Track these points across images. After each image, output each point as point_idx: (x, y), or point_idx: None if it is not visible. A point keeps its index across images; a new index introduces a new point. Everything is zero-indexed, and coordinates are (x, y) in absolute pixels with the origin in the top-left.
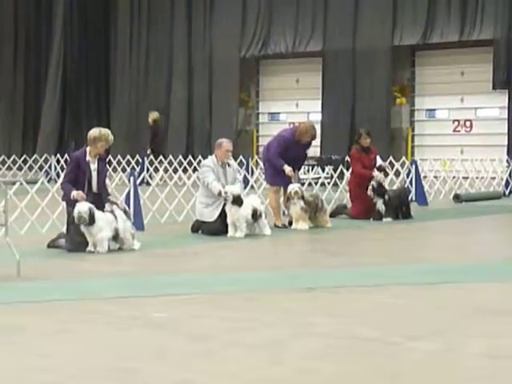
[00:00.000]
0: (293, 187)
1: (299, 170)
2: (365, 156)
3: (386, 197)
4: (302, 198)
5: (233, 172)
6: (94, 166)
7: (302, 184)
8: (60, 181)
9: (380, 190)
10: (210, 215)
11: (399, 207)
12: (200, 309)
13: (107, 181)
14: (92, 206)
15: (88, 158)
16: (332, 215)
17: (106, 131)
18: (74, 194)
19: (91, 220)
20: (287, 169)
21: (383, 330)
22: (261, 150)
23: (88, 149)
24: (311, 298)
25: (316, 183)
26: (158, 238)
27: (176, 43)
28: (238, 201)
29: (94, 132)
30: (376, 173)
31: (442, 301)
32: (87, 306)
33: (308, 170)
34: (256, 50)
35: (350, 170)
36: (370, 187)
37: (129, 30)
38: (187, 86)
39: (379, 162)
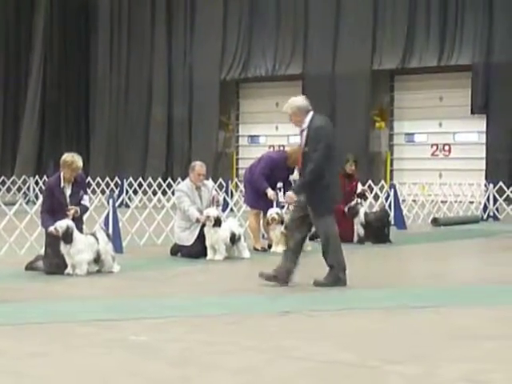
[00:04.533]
0: (271, 212)
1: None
2: (347, 182)
3: (362, 219)
4: (281, 222)
5: (208, 192)
6: (68, 191)
7: (282, 207)
8: (38, 203)
9: (353, 211)
10: (188, 239)
11: (380, 230)
12: (178, 332)
13: (86, 202)
14: (72, 224)
15: (62, 183)
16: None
17: (70, 158)
18: (52, 230)
19: (69, 238)
20: (270, 192)
21: (360, 354)
22: (240, 172)
23: (61, 174)
24: (288, 322)
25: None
26: (136, 261)
27: (156, 66)
28: (217, 222)
29: (62, 157)
30: (346, 208)
31: (420, 325)
32: (64, 328)
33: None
34: (236, 72)
35: None
36: (346, 208)
37: (109, 53)
38: (167, 109)
39: (359, 188)
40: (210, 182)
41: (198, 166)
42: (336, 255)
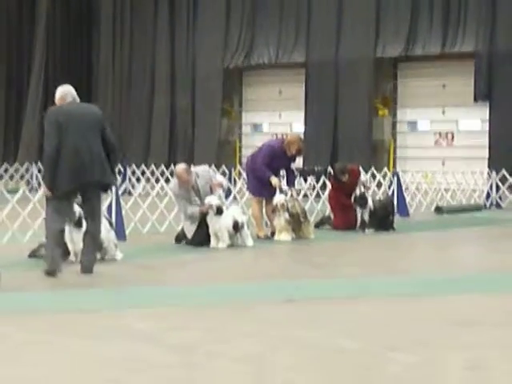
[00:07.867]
0: (279, 199)
1: (293, 183)
2: (348, 181)
3: (370, 207)
4: (287, 210)
5: (203, 179)
6: None
7: (286, 195)
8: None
9: (361, 201)
10: (189, 229)
11: (384, 218)
12: (182, 320)
13: None
14: (81, 210)
15: None
16: (317, 226)
17: None
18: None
19: (79, 223)
20: (274, 180)
21: (364, 342)
22: (243, 160)
23: None
24: (293, 310)
25: (298, 194)
26: (139, 249)
27: (159, 54)
28: (219, 211)
29: None
30: (352, 199)
31: (423, 312)
32: (67, 316)
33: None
34: (239, 60)
35: (330, 185)
36: (353, 198)
37: (111, 41)
38: (170, 97)
39: (362, 178)
40: (202, 170)
41: (179, 170)
42: (47, 245)
